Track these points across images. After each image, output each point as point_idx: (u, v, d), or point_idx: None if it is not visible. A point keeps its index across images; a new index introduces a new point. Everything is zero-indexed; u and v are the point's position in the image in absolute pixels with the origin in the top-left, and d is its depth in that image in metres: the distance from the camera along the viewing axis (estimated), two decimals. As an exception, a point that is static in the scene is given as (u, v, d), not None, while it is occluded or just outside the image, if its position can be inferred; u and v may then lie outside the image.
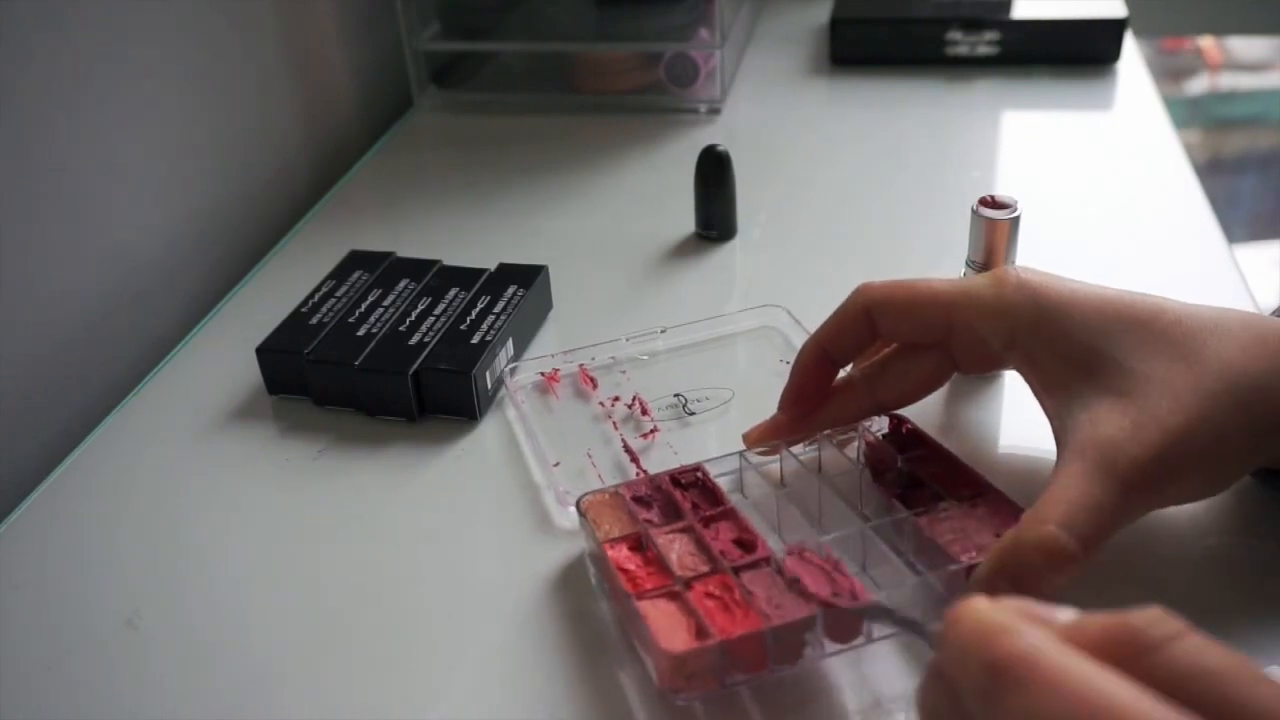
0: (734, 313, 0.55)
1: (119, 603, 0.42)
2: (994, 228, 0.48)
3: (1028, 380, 0.40)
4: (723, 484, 0.42)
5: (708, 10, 0.78)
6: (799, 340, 0.47)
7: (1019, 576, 0.34)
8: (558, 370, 0.52)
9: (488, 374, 0.50)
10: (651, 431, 0.48)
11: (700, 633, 0.35)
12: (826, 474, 0.44)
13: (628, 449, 0.47)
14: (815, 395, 0.44)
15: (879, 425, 0.44)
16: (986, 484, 0.40)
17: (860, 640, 0.35)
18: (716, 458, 0.44)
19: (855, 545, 0.39)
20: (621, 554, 0.39)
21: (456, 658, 0.39)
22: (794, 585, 0.36)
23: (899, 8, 0.87)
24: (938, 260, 0.59)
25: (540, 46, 0.84)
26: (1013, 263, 0.49)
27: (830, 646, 0.35)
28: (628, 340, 0.53)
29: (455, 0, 0.83)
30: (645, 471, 0.45)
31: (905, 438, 0.44)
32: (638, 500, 0.41)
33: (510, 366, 0.52)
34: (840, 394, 0.44)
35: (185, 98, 0.64)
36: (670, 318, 0.55)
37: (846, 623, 0.35)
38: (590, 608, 0.40)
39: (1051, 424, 0.39)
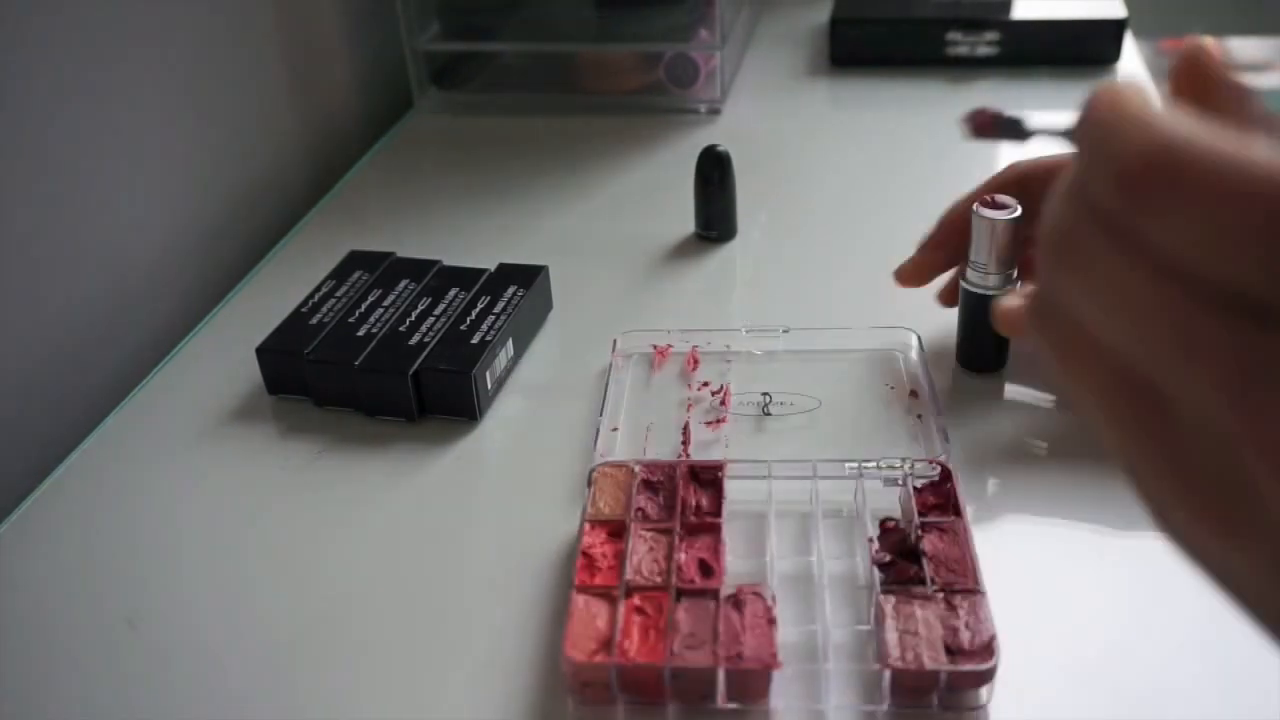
0: (863, 328, 0.53)
1: (119, 603, 0.42)
2: (994, 228, 0.48)
3: None
4: (739, 489, 0.43)
5: (708, 11, 0.78)
6: (917, 367, 0.49)
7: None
8: (670, 346, 0.53)
9: (488, 374, 0.50)
10: (718, 421, 0.48)
11: (608, 649, 0.36)
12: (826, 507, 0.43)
13: (685, 430, 0.48)
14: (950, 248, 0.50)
15: (924, 472, 0.43)
16: (977, 587, 0.37)
17: (764, 705, 0.35)
18: (741, 460, 0.44)
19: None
20: (598, 539, 0.40)
21: (455, 658, 0.39)
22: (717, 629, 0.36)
23: (899, 8, 0.87)
24: (938, 260, 0.58)
25: (540, 47, 0.84)
26: (1012, 262, 0.49)
27: (730, 704, 0.35)
28: (747, 333, 0.53)
29: (455, 0, 0.83)
30: (689, 456, 0.46)
31: (940, 501, 0.41)
32: (647, 484, 0.42)
33: (626, 331, 0.53)
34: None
35: (186, 98, 0.64)
36: (670, 318, 0.54)
37: (749, 684, 0.35)
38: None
39: None
